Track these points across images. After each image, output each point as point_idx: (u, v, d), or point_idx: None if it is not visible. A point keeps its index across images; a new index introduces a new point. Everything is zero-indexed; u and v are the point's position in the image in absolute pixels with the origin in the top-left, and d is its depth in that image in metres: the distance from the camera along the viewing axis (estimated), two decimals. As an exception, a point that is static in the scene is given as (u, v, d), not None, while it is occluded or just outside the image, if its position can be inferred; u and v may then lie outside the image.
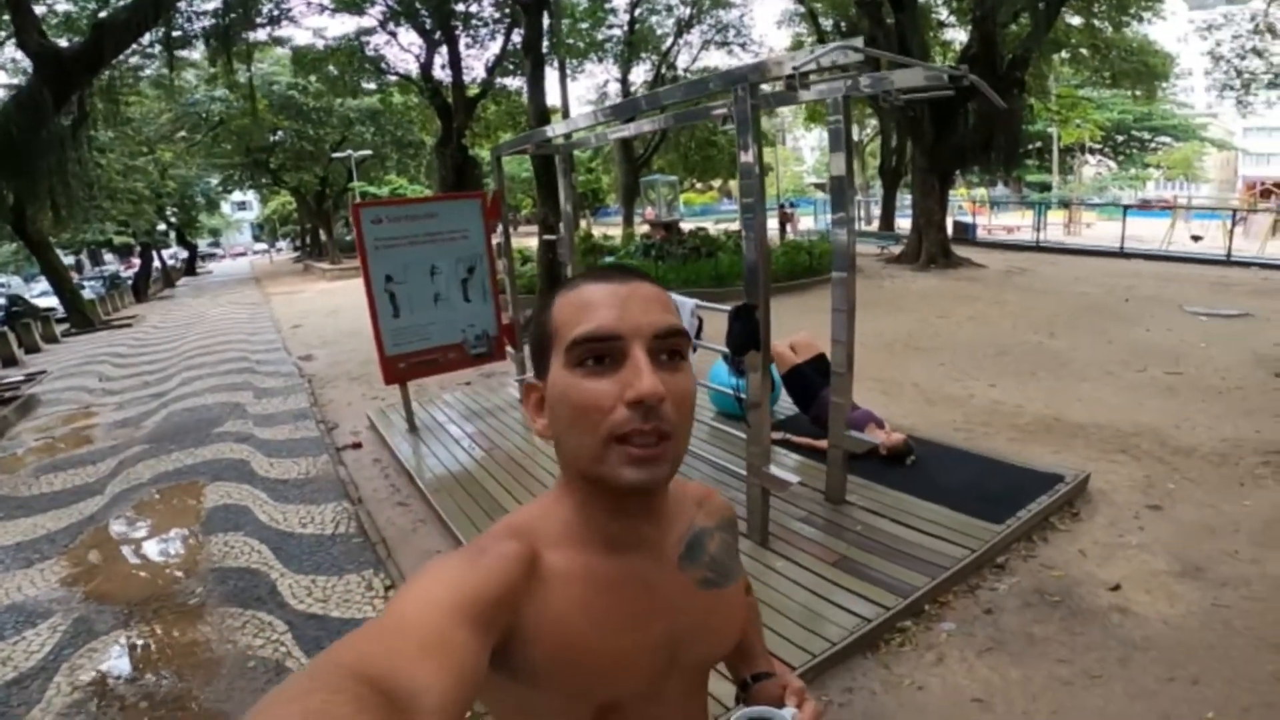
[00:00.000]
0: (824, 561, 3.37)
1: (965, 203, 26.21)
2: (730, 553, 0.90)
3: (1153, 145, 35.32)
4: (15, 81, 12.91)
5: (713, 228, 17.85)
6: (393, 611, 0.60)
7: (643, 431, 0.68)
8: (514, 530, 0.75)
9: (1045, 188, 33.28)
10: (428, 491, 4.63)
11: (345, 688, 0.49)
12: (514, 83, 19.23)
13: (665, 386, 0.69)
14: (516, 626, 0.68)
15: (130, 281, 25.46)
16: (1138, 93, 20.67)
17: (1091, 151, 35.49)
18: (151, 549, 4.51)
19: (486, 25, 16.87)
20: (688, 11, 21.51)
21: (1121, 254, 14.86)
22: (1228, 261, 13.16)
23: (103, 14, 9.67)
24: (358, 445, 5.99)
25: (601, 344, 0.70)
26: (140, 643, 3.40)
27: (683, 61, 23.18)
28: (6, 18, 9.29)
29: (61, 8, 11.07)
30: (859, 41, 2.86)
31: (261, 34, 14.91)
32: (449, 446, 5.39)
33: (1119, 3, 16.00)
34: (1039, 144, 31.80)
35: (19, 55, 12.86)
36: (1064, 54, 18.93)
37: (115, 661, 3.28)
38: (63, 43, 9.03)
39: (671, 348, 0.73)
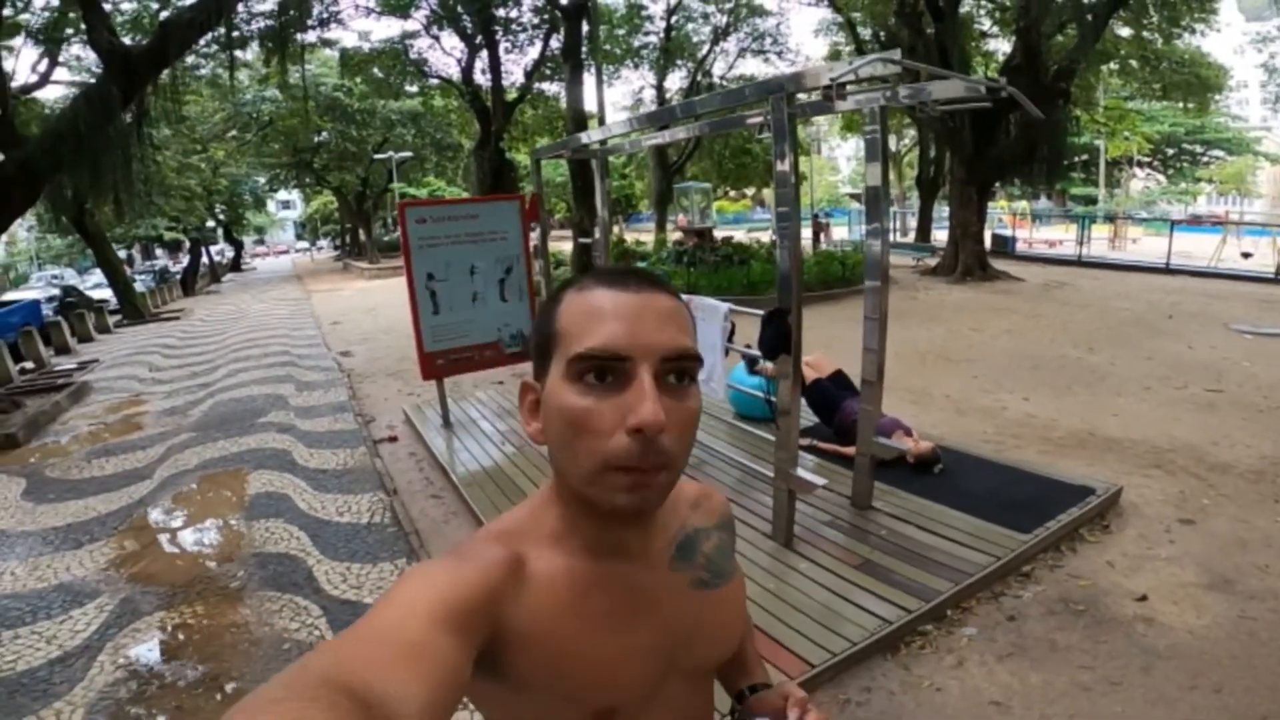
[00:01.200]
0: (847, 564, 3.40)
1: (1005, 215, 25.77)
2: (726, 553, 0.88)
3: (1205, 159, 34.32)
4: (76, 79, 13.47)
5: (744, 236, 17.83)
6: (370, 619, 0.59)
7: (640, 467, 0.66)
8: (498, 535, 0.75)
9: (1091, 201, 32.47)
10: (461, 485, 4.75)
11: (320, 696, 0.47)
12: (552, 88, 19.52)
13: (668, 413, 0.66)
14: (502, 632, 0.67)
15: (179, 276, 26.25)
16: (1189, 105, 20.13)
17: (1140, 165, 34.58)
18: (196, 533, 4.64)
19: (526, 31, 17.15)
20: (724, 20, 21.57)
21: (1167, 270, 14.48)
22: (1277, 279, 12.79)
23: (164, 13, 10.07)
24: (394, 439, 6.15)
25: (606, 362, 0.66)
26: (182, 623, 3.49)
27: (718, 69, 23.22)
28: (72, 15, 9.72)
29: (126, 6, 11.56)
30: (897, 53, 2.90)
31: (311, 36, 15.33)
32: (481, 442, 5.52)
33: (1170, 15, 15.61)
34: (1085, 156, 31.04)
35: (81, 53, 13.45)
36: (1112, 65, 18.50)
37: (158, 641, 3.37)
38: (126, 40, 9.42)
39: (681, 370, 0.69)
